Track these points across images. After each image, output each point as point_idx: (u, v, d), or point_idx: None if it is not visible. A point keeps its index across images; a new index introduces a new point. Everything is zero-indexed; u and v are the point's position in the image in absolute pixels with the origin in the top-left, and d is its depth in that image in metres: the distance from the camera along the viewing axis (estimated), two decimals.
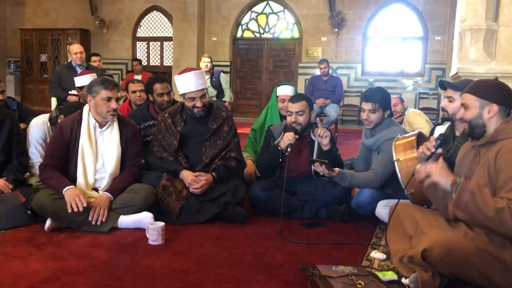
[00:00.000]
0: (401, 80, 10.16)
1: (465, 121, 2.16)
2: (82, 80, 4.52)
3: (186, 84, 3.15)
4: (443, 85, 2.69)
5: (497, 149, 2.00)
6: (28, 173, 3.30)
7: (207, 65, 6.66)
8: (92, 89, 2.94)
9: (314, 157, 3.21)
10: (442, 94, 9.03)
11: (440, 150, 2.23)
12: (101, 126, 2.99)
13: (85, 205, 2.73)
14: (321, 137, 3.08)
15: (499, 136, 2.03)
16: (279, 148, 3.15)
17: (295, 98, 3.26)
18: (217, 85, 6.76)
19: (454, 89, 2.61)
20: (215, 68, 6.96)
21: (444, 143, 2.31)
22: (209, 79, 6.68)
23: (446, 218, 2.24)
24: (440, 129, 2.82)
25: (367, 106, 3.03)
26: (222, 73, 6.89)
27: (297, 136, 3.11)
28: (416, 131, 2.60)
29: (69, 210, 2.71)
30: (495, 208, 1.88)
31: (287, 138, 3.09)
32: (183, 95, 3.20)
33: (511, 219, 1.85)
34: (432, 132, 2.95)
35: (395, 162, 2.43)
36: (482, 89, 2.10)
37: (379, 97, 3.02)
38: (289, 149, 3.09)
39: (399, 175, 2.45)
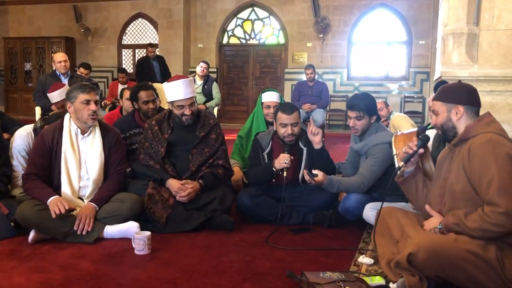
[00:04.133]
0: (386, 84, 10.25)
1: (438, 127, 2.26)
2: (54, 97, 4.45)
3: (175, 92, 3.14)
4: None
5: (469, 145, 2.08)
6: (11, 185, 3.24)
7: (203, 70, 6.70)
8: (70, 95, 2.94)
9: (303, 165, 3.20)
10: (427, 97, 9.15)
11: (421, 150, 2.33)
12: (83, 132, 2.97)
13: (67, 207, 2.70)
14: (314, 135, 3.08)
15: (470, 133, 2.11)
16: (273, 169, 3.11)
17: (289, 109, 3.17)
18: (207, 93, 6.79)
19: None
20: (210, 76, 6.98)
21: (426, 143, 2.37)
22: (201, 86, 6.69)
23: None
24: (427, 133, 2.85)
25: (352, 114, 3.03)
26: (215, 82, 6.93)
27: (292, 158, 3.08)
28: (415, 128, 2.63)
29: (53, 216, 2.67)
30: (478, 229, 1.97)
31: (284, 162, 3.04)
32: (172, 102, 3.19)
33: (493, 228, 1.93)
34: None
35: (395, 156, 2.46)
36: (446, 94, 2.22)
37: (364, 105, 3.01)
38: (285, 173, 3.05)
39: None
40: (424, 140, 2.34)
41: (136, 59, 12.00)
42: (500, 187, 1.92)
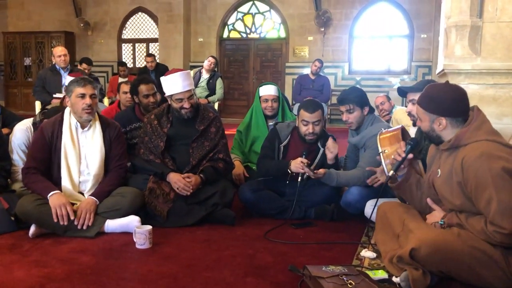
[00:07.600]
0: (388, 78, 10.21)
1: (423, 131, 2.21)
2: None
3: (173, 85, 3.11)
4: (403, 92, 2.73)
5: (461, 157, 1.99)
6: (11, 179, 3.22)
7: (210, 64, 6.72)
8: (68, 89, 2.95)
9: (314, 164, 3.15)
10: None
11: (411, 155, 2.26)
12: (83, 126, 2.95)
13: (72, 217, 2.70)
14: (330, 151, 3.08)
15: (461, 141, 2.03)
16: (289, 171, 3.03)
17: (311, 107, 3.12)
18: (212, 87, 6.80)
19: (414, 91, 2.62)
20: (216, 71, 6.99)
21: (415, 147, 2.31)
22: (206, 80, 6.69)
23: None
24: (414, 130, 2.81)
25: (343, 108, 3.05)
26: (220, 78, 6.93)
27: (308, 162, 3.00)
28: (399, 125, 2.58)
29: (55, 220, 2.67)
30: (481, 232, 1.96)
31: (301, 168, 2.93)
32: (170, 96, 3.16)
33: (498, 243, 1.93)
34: None
35: (381, 154, 2.40)
36: (429, 102, 2.10)
37: (353, 97, 3.02)
38: (299, 178, 2.97)
39: (384, 168, 2.40)
40: (412, 144, 2.27)
41: (136, 54, 11.99)
42: (501, 209, 1.86)
